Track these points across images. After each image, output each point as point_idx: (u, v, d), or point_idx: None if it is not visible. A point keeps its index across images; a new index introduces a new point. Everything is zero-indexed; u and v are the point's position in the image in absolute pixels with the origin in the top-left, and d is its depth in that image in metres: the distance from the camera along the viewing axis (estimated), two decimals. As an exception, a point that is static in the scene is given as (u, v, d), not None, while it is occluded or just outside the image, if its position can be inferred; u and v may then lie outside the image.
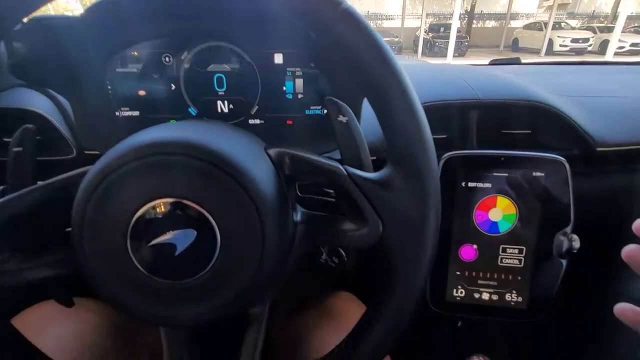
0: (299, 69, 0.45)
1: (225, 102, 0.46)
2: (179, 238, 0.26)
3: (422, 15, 13.71)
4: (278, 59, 0.45)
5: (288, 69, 0.45)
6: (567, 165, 0.47)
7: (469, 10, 16.50)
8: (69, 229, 0.36)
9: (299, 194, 0.41)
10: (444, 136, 0.56)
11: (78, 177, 0.29)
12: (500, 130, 0.56)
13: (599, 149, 0.52)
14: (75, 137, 0.51)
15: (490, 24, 19.07)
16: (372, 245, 0.29)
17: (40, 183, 0.30)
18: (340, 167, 0.29)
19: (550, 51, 12.65)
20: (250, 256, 0.26)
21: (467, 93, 0.54)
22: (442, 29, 13.63)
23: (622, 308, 0.29)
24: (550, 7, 13.18)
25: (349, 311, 0.48)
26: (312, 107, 0.47)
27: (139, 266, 0.25)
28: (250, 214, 0.25)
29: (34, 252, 0.29)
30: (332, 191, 0.41)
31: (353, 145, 0.33)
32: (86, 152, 0.51)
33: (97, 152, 0.47)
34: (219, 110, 0.46)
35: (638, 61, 0.96)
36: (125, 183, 0.25)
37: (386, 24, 19.35)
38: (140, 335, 0.48)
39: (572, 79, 0.72)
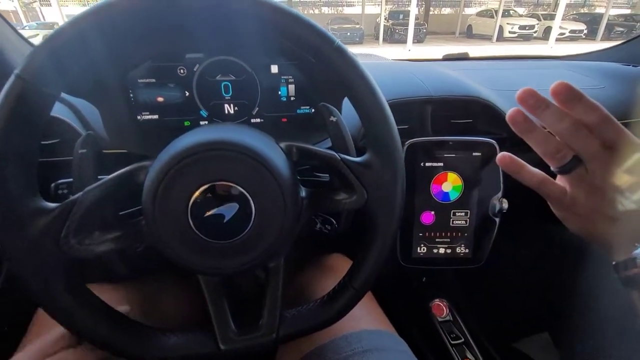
0: (290, 77, 0.56)
1: (231, 105, 0.56)
2: (226, 210, 0.36)
3: (381, 2, 13.85)
4: (274, 69, 0.55)
5: (282, 77, 0.56)
6: (497, 146, 0.62)
7: (425, -4, 16.90)
8: (123, 212, 0.45)
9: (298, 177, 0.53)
10: (406, 127, 0.69)
11: (135, 171, 0.38)
12: (450, 120, 0.71)
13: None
14: (96, 139, 0.58)
15: (447, 10, 19.71)
16: (359, 208, 0.41)
17: (107, 177, 0.38)
18: (335, 154, 0.40)
19: (500, 37, 13.39)
20: (275, 221, 0.37)
21: (422, 90, 0.68)
22: (401, 16, 13.92)
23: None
24: (500, -5, 13.86)
25: (340, 266, 0.61)
26: (302, 107, 0.59)
27: (196, 231, 0.35)
28: (275, 190, 0.36)
29: (99, 231, 0.36)
30: (322, 175, 0.52)
31: (341, 137, 0.45)
32: (104, 151, 0.59)
33: (119, 150, 0.55)
34: (226, 112, 0.56)
35: (558, 55, 1.15)
36: (184, 172, 0.34)
37: (347, 10, 19.36)
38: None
39: (502, 74, 0.88)
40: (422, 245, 0.68)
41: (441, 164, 0.64)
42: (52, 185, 0.51)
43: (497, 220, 0.66)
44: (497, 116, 0.68)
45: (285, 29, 0.34)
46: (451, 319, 0.78)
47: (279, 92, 0.57)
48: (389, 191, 0.40)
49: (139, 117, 0.54)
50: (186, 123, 0.56)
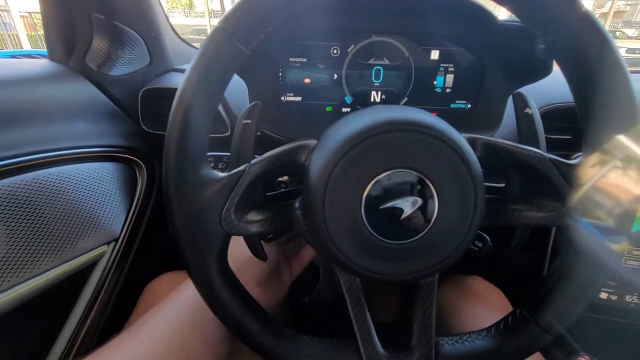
0: (451, 65, 0.49)
1: (379, 92, 0.50)
2: (405, 204, 0.30)
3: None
4: (434, 55, 0.48)
5: (442, 64, 0.49)
6: None
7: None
8: (270, 194, 0.41)
9: None
10: (569, 137, 0.57)
11: (296, 149, 0.33)
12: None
13: None
14: (230, 119, 0.57)
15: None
16: (562, 225, 0.32)
17: (270, 152, 0.35)
18: (542, 153, 0.32)
19: (602, 61, 11.94)
20: (460, 224, 0.30)
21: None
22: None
23: None
24: (605, 15, 12.41)
25: (483, 292, 0.51)
26: (457, 101, 0.51)
27: (367, 226, 0.29)
28: (468, 188, 0.29)
29: (255, 210, 0.33)
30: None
31: (533, 135, 0.37)
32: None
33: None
34: (372, 99, 0.51)
35: None
36: (364, 155, 0.29)
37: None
38: None
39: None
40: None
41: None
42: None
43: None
44: None
45: None
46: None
47: (434, 82, 0.50)
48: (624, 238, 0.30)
49: (282, 98, 0.51)
50: (328, 108, 0.52)
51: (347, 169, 0.29)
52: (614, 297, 0.55)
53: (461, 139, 0.30)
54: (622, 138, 0.31)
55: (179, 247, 0.32)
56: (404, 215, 0.30)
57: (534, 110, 0.37)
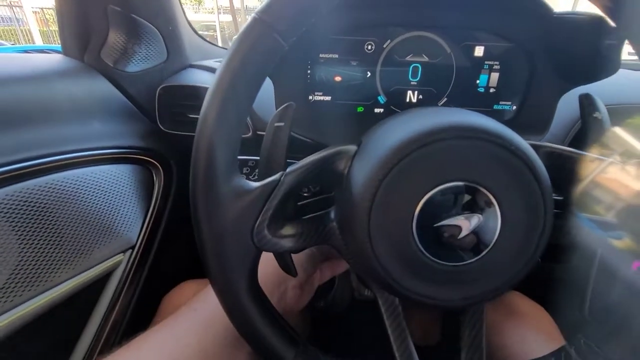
0: (497, 63, 0.45)
1: (416, 92, 0.46)
2: (464, 222, 0.26)
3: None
4: (478, 51, 0.44)
5: (486, 62, 0.45)
6: None
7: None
8: (301, 203, 0.38)
9: None
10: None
11: (333, 156, 0.30)
12: None
13: None
14: (252, 118, 0.53)
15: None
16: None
17: (306, 159, 0.31)
18: (620, 162, 0.28)
19: (617, 59, 11.68)
20: (527, 244, 0.26)
21: None
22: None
23: None
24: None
25: (526, 310, 0.47)
26: (501, 102, 0.47)
27: (419, 246, 0.26)
28: (536, 200, 0.25)
29: (289, 223, 0.29)
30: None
31: (600, 138, 0.32)
32: (258, 132, 0.54)
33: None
34: (408, 99, 0.47)
35: None
36: (416, 168, 0.25)
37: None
38: None
39: None
40: None
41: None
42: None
43: None
44: None
45: None
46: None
47: (477, 81, 0.46)
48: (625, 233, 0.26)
49: (310, 98, 0.47)
50: (359, 109, 0.48)
51: (397, 181, 0.25)
52: None
53: (528, 147, 0.26)
54: (620, 132, 0.31)
55: (205, 265, 0.28)
56: (461, 235, 0.26)
57: (604, 115, 0.33)
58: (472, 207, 0.26)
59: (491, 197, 0.25)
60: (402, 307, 0.31)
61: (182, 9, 0.66)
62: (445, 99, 0.47)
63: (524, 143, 0.26)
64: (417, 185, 0.25)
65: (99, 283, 0.44)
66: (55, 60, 0.51)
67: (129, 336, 0.44)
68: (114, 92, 0.52)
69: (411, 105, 0.47)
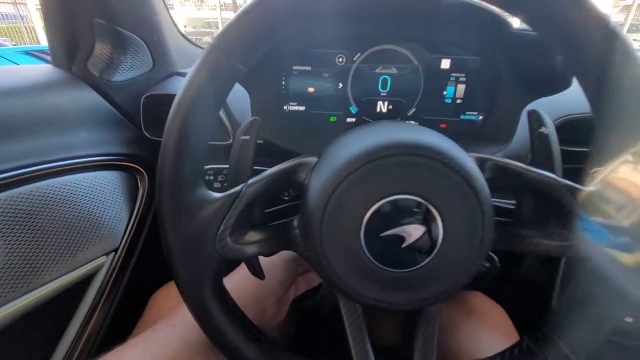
0: (463, 75, 0.46)
1: (386, 102, 0.48)
2: (407, 232, 0.28)
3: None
4: (445, 64, 0.46)
5: (453, 74, 0.46)
6: None
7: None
8: (268, 210, 0.40)
9: None
10: (585, 149, 0.55)
11: (296, 167, 0.32)
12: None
13: None
14: (233, 126, 0.55)
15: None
16: (568, 255, 0.30)
17: (268, 170, 0.33)
18: (557, 178, 0.30)
19: (623, 56, 11.48)
20: (467, 252, 0.28)
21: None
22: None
23: None
24: (627, 7, 11.94)
25: (485, 310, 0.49)
26: (467, 113, 0.49)
27: (367, 253, 0.28)
28: (474, 212, 0.27)
29: (252, 230, 0.31)
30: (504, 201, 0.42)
31: (548, 156, 0.34)
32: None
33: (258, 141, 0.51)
34: (378, 109, 0.49)
35: None
36: (367, 179, 0.27)
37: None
38: None
39: None
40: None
41: None
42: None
43: None
44: None
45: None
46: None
47: (444, 92, 0.48)
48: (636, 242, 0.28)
49: (285, 108, 0.49)
50: (332, 119, 0.50)
51: (346, 193, 0.27)
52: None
53: (468, 161, 0.28)
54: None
55: (172, 270, 0.31)
56: (405, 244, 0.28)
57: (550, 130, 0.35)
58: (416, 218, 0.28)
59: (433, 209, 0.27)
60: (362, 310, 0.33)
61: (171, 17, 0.68)
62: (414, 109, 0.49)
63: (463, 159, 0.28)
64: (365, 197, 0.27)
65: (82, 284, 0.47)
66: (43, 71, 0.53)
67: (110, 337, 0.47)
68: (101, 101, 0.54)
69: (381, 115, 0.49)
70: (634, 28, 11.95)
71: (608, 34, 0.25)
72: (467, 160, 0.29)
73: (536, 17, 0.26)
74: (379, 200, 0.27)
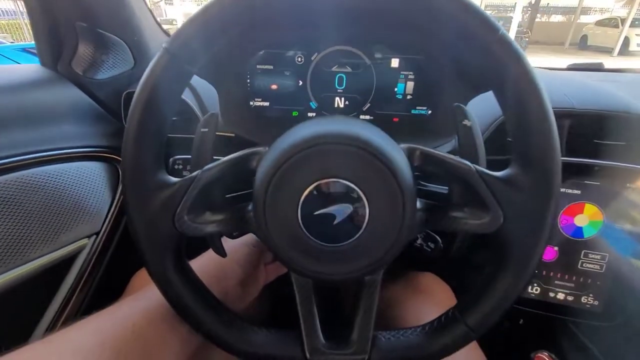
0: (411, 73, 0.51)
1: (342, 98, 0.53)
2: (337, 211, 0.33)
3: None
4: (394, 63, 0.50)
5: (402, 72, 0.51)
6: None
7: (533, 2, 15.21)
8: (229, 195, 0.45)
9: None
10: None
11: (249, 155, 0.36)
12: (593, 139, 0.58)
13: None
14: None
15: (557, 18, 17.49)
16: (487, 233, 0.34)
17: (223, 158, 0.38)
18: (470, 165, 0.34)
19: (625, 51, 11.39)
20: (390, 229, 0.32)
21: (563, 102, 0.57)
22: (500, 22, 12.77)
23: None
24: (630, 2, 11.81)
25: (433, 289, 0.54)
26: (417, 107, 0.53)
27: (303, 230, 0.32)
28: (396, 195, 0.31)
29: (210, 211, 0.35)
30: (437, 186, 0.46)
31: (471, 145, 0.38)
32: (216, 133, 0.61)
33: (228, 134, 0.55)
34: (336, 105, 0.53)
35: None
36: (300, 165, 0.31)
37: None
38: None
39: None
40: (535, 284, 0.57)
41: (578, 192, 0.53)
42: (170, 159, 0.54)
43: (649, 273, 0.51)
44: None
45: (433, 6, 0.29)
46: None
47: (395, 89, 0.52)
48: (535, 220, 0.32)
49: (251, 103, 0.54)
50: (294, 113, 0.54)
51: (285, 176, 0.31)
52: (570, 298, 0.57)
53: (393, 150, 0.32)
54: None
55: (137, 246, 0.35)
56: (336, 221, 0.33)
57: (473, 122, 0.39)
58: (346, 199, 0.32)
59: (360, 191, 0.32)
60: (312, 284, 0.37)
61: (154, 17, 0.72)
62: (369, 104, 0.53)
63: (387, 148, 0.32)
64: (301, 180, 0.31)
65: (65, 264, 0.52)
66: (32, 71, 0.58)
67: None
68: (84, 98, 0.59)
69: (339, 109, 0.53)
70: (637, 22, 11.83)
71: (498, 41, 0.30)
72: (393, 149, 0.33)
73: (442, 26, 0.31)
74: (312, 183, 0.31)
